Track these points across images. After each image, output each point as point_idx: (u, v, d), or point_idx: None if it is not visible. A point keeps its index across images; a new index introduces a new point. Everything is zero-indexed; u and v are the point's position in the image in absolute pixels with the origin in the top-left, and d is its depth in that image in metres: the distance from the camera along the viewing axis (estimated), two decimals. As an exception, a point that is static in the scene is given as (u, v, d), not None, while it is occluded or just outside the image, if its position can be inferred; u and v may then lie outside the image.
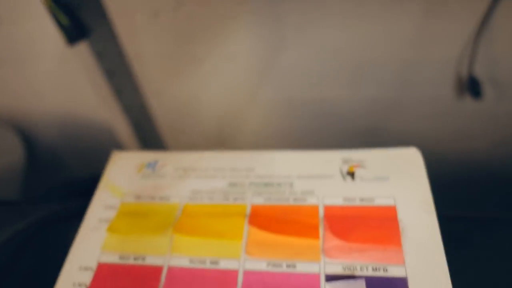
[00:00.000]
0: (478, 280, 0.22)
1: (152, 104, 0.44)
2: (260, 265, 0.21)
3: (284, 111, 0.41)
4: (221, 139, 0.44)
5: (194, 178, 0.26)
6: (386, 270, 0.20)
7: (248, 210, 0.23)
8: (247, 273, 0.21)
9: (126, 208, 0.25)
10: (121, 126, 0.42)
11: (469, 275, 0.21)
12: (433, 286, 0.19)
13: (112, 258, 0.23)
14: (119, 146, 0.45)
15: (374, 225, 0.21)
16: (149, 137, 0.45)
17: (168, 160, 0.27)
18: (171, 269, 0.22)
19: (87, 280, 0.22)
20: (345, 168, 0.24)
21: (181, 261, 0.22)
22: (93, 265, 0.22)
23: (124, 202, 0.25)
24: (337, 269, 0.20)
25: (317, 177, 0.24)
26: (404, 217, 0.21)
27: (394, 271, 0.20)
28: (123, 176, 0.27)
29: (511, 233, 0.24)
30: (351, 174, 0.24)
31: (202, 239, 0.22)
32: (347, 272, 0.20)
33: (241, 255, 0.21)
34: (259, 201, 0.24)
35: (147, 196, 0.25)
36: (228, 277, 0.21)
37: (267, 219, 0.22)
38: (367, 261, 0.20)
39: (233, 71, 0.39)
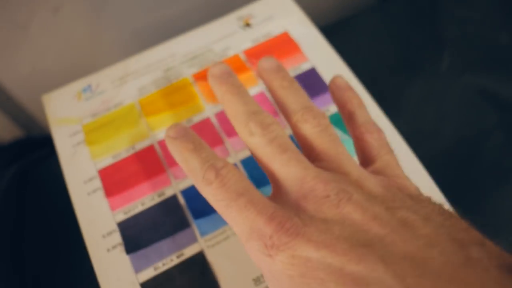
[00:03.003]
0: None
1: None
2: (222, 106, 0.28)
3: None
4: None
5: (132, 80, 0.30)
6: (300, 68, 0.29)
7: (191, 79, 0.29)
8: (218, 115, 0.27)
9: (90, 126, 0.28)
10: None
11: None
12: (330, 67, 0.29)
13: (106, 162, 0.27)
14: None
15: (284, 49, 0.30)
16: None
17: (98, 80, 0.30)
18: (161, 142, 0.27)
19: (97, 186, 0.26)
20: (241, 23, 0.31)
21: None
22: (94, 174, 0.26)
23: (85, 123, 0.28)
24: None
25: (226, 37, 0.31)
26: (294, 35, 0.30)
27: (304, 67, 0.29)
28: (68, 109, 0.29)
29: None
30: (248, 25, 0.31)
31: (171, 112, 0.28)
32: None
33: (205, 106, 0.28)
34: (195, 70, 0.29)
35: (102, 110, 0.29)
36: (206, 125, 0.27)
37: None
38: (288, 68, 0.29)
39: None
